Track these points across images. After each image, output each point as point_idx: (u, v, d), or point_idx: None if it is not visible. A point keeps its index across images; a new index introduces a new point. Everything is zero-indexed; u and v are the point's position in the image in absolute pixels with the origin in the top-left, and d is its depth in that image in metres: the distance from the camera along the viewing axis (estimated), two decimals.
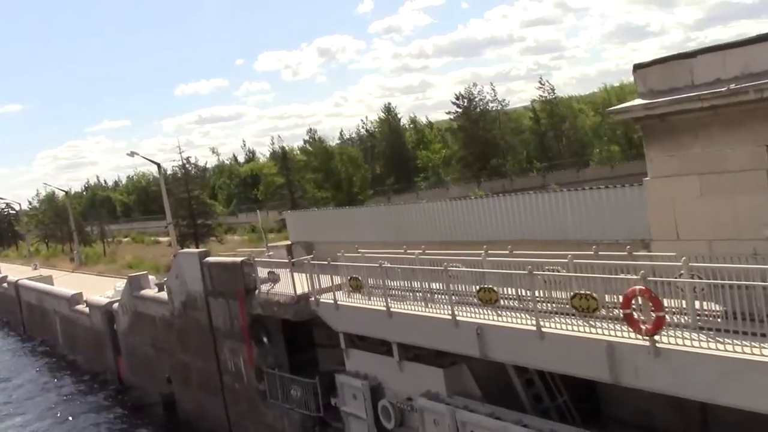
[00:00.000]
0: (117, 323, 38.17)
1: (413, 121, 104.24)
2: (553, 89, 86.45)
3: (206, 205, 66.81)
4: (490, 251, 16.77)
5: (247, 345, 25.11)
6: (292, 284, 21.93)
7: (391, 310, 18.12)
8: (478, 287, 15.63)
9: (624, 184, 18.66)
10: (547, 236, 19.27)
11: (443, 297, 17.17)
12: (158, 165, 54.06)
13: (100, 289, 48.58)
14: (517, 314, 15.01)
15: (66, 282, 59.34)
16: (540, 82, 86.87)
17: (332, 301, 20.43)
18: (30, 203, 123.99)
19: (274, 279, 22.88)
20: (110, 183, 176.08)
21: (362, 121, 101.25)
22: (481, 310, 15.77)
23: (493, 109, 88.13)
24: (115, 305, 38.46)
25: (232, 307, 25.48)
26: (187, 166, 65.78)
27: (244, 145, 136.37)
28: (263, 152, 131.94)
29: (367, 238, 25.06)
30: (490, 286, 15.40)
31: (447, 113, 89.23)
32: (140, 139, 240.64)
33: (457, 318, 16.11)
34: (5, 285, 65.07)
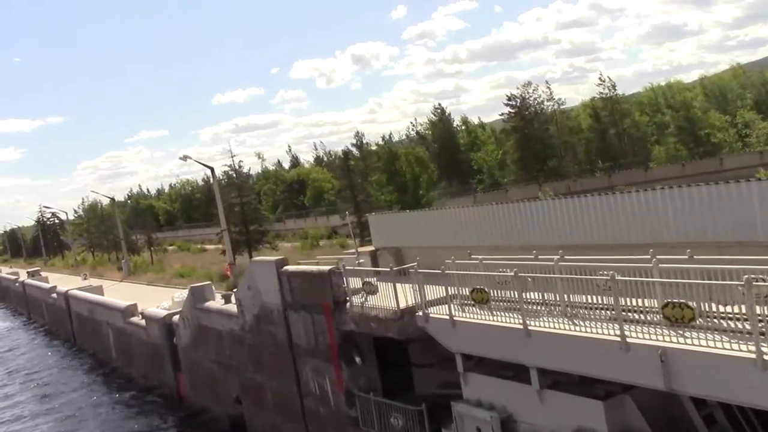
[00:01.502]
0: (177, 337, 35.65)
1: (464, 122, 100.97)
2: (614, 85, 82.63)
3: (258, 210, 64.31)
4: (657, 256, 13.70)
5: (335, 365, 22.21)
6: (394, 296, 18.98)
7: (531, 328, 15.06)
8: (665, 301, 12.45)
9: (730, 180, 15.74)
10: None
11: (594, 313, 14.17)
12: (212, 169, 51.69)
13: (152, 299, 46.26)
14: (718, 335, 11.87)
15: (116, 292, 57.32)
16: (600, 79, 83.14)
17: (446, 317, 17.44)
18: (75, 212, 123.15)
19: (370, 290, 19.94)
20: (152, 192, 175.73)
21: (412, 123, 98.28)
22: (662, 330, 12.65)
23: (549, 108, 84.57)
24: (175, 318, 35.96)
25: (317, 322, 22.61)
26: (238, 170, 63.27)
27: (290, 150, 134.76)
28: (304, 159, 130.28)
29: (469, 242, 22.14)
30: (683, 301, 12.23)
31: (500, 114, 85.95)
32: (177, 149, 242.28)
33: (629, 339, 12.98)
34: (54, 296, 63.32)
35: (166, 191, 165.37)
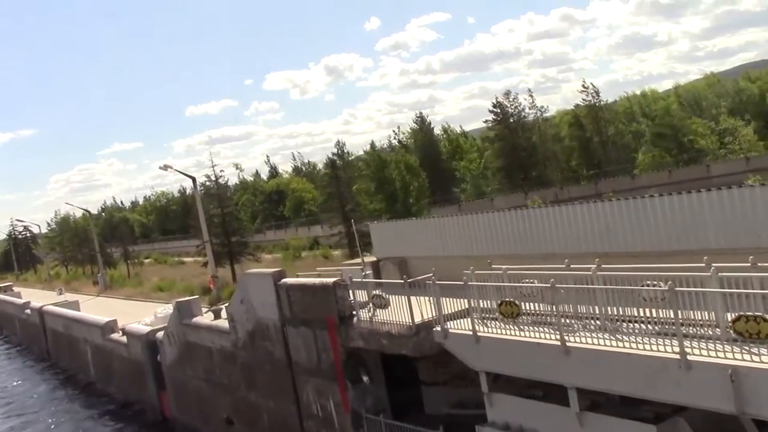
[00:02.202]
0: (161, 354, 33.84)
1: (446, 130, 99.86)
2: (597, 92, 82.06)
3: (240, 221, 62.45)
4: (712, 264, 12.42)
5: (340, 384, 20.67)
6: (409, 310, 17.53)
7: (570, 344, 13.69)
8: (738, 314, 11.12)
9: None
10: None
11: (640, 328, 12.89)
12: (193, 179, 49.84)
13: (132, 314, 44.29)
14: None
15: (93, 307, 55.19)
16: (583, 86, 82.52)
17: (469, 332, 16.01)
18: (48, 225, 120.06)
19: (381, 304, 18.46)
20: (126, 204, 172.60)
21: (394, 132, 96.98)
22: (729, 346, 11.34)
23: (531, 116, 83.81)
24: (159, 334, 34.15)
25: (319, 339, 21.08)
26: (218, 181, 61.48)
27: (268, 160, 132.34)
28: (282, 170, 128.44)
29: (484, 251, 20.80)
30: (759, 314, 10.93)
31: (484, 122, 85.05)
32: (151, 161, 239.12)
33: (690, 357, 11.66)
34: (28, 311, 60.89)
35: (140, 203, 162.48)
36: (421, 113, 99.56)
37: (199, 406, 30.58)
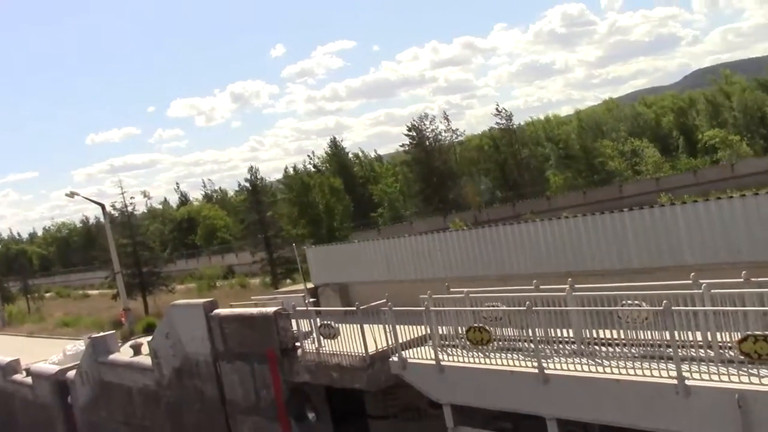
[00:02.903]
0: (72, 396, 31.09)
1: (357, 156, 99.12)
2: (510, 116, 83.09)
3: (153, 251, 59.48)
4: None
5: (282, 423, 19.02)
6: (362, 340, 16.16)
7: (549, 372, 12.65)
8: (745, 334, 10.28)
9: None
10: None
11: (622, 351, 12.01)
12: (102, 206, 46.94)
13: (36, 353, 40.88)
14: None
15: None
16: (497, 110, 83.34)
17: (431, 362, 14.79)
18: None
19: (329, 334, 17.01)
20: (24, 236, 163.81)
21: (309, 157, 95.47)
22: (732, 369, 10.52)
23: (447, 139, 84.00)
24: (70, 373, 31.38)
25: (258, 374, 19.40)
26: (128, 208, 58.41)
27: (177, 187, 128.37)
28: (176, 199, 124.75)
29: (433, 275, 19.68)
30: None
31: (400, 146, 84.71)
32: (48, 191, 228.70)
33: (689, 382, 10.78)
34: None
35: (39, 235, 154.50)
36: (334, 138, 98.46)
37: None
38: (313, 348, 17.74)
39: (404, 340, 15.79)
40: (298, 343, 18.31)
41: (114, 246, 45.63)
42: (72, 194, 47.01)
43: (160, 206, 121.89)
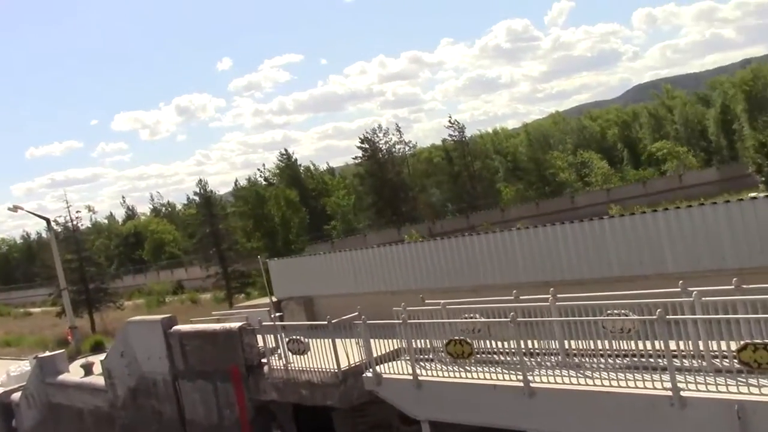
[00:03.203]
0: (17, 419, 29.57)
1: (308, 169, 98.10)
2: (463, 128, 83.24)
3: (101, 267, 57.62)
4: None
5: None
6: (333, 355, 15.49)
7: (535, 385, 12.18)
8: (743, 343, 9.96)
9: None
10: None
11: (607, 362, 11.64)
12: (47, 221, 45.19)
13: None
14: None
15: None
16: (449, 122, 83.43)
17: (408, 377, 14.20)
18: None
19: (298, 349, 16.28)
20: None
21: (259, 170, 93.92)
22: (728, 379, 10.20)
23: (400, 151, 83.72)
24: (15, 396, 29.88)
25: (221, 393, 18.52)
26: (74, 223, 56.52)
27: (123, 201, 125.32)
28: (121, 213, 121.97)
29: (402, 287, 19.14)
30: None
31: (353, 158, 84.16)
32: None
33: (684, 393, 10.43)
34: None
35: None
36: (286, 150, 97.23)
37: None
38: (281, 364, 16.98)
39: (377, 354, 15.19)
40: (264, 360, 17.52)
41: (59, 262, 43.90)
42: (15, 208, 45.16)
43: (106, 221, 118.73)
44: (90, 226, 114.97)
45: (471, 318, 14.19)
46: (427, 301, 15.41)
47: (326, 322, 15.49)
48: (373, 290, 19.65)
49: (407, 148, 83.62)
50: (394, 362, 15.03)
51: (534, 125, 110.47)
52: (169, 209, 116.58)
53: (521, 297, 13.95)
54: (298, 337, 16.20)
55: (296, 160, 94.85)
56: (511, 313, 12.43)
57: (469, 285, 17.18)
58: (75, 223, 58.28)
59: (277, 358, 17.37)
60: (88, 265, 56.15)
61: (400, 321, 14.30)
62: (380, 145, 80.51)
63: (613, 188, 73.70)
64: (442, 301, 14.79)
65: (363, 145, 79.84)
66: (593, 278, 14.83)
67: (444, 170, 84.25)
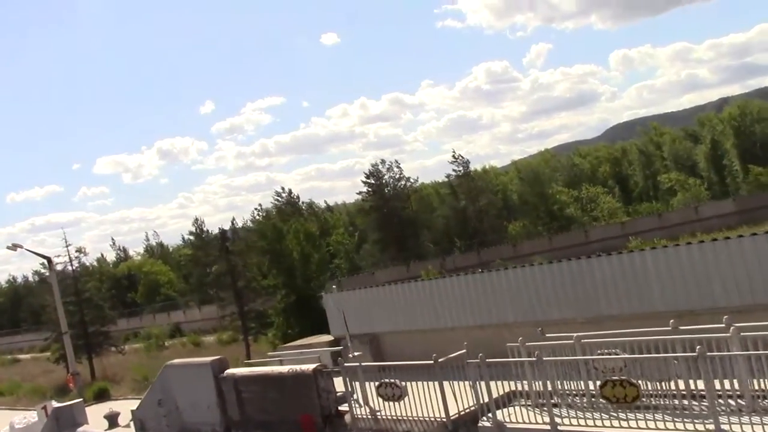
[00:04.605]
0: None
1: (309, 206, 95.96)
2: (467, 163, 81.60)
3: (101, 309, 54.80)
4: None
5: None
6: (441, 401, 13.01)
7: None
8: None
9: None
10: None
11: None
12: (49, 260, 42.42)
13: None
14: None
15: None
16: (454, 157, 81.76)
17: (542, 426, 11.75)
18: None
19: (393, 395, 13.76)
20: None
21: (256, 209, 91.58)
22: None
23: (403, 186, 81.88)
24: None
25: None
26: (73, 264, 53.96)
27: (114, 243, 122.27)
28: (110, 257, 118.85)
29: (499, 319, 16.69)
30: None
31: (357, 193, 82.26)
32: None
33: None
34: None
35: None
36: (283, 188, 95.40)
37: None
38: (366, 413, 14.45)
39: (486, 399, 12.76)
40: (344, 407, 14.98)
41: (61, 304, 41.15)
42: (14, 246, 42.44)
43: (96, 263, 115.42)
44: (78, 268, 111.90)
45: (613, 354, 11.83)
46: (573, 334, 12.99)
47: (432, 362, 13.03)
48: (461, 325, 17.19)
49: (409, 183, 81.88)
50: (510, 408, 12.66)
51: (523, 163, 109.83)
52: (161, 249, 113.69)
53: (680, 327, 11.61)
54: (393, 381, 13.69)
55: (298, 196, 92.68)
56: (698, 347, 10.03)
57: (582, 316, 14.82)
58: (74, 265, 55.81)
59: (357, 405, 14.85)
60: (87, 307, 53.36)
61: (534, 358, 11.87)
62: (385, 180, 78.74)
63: (627, 221, 71.95)
64: (575, 335, 12.40)
65: (369, 180, 77.94)
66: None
67: (450, 205, 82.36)
